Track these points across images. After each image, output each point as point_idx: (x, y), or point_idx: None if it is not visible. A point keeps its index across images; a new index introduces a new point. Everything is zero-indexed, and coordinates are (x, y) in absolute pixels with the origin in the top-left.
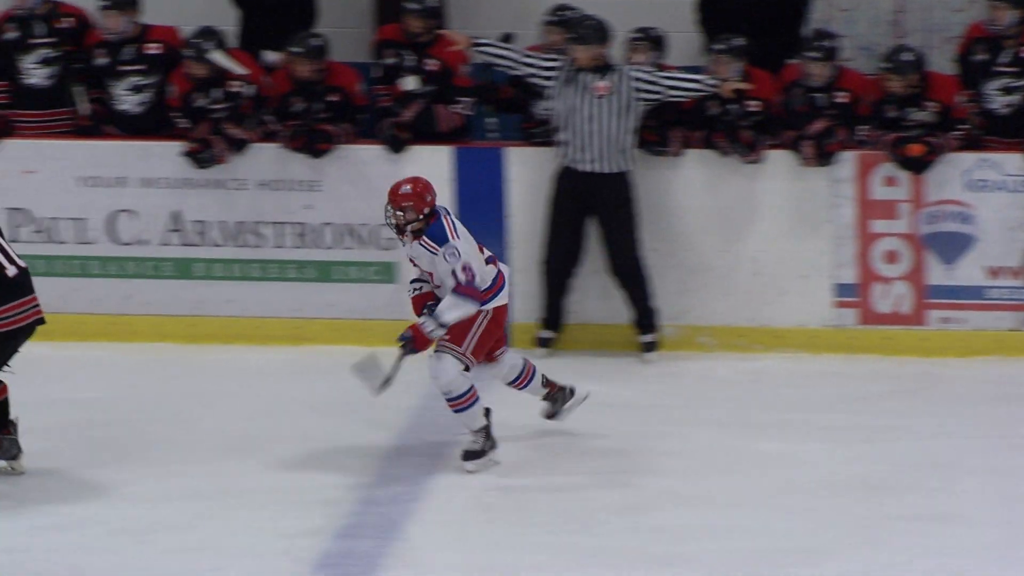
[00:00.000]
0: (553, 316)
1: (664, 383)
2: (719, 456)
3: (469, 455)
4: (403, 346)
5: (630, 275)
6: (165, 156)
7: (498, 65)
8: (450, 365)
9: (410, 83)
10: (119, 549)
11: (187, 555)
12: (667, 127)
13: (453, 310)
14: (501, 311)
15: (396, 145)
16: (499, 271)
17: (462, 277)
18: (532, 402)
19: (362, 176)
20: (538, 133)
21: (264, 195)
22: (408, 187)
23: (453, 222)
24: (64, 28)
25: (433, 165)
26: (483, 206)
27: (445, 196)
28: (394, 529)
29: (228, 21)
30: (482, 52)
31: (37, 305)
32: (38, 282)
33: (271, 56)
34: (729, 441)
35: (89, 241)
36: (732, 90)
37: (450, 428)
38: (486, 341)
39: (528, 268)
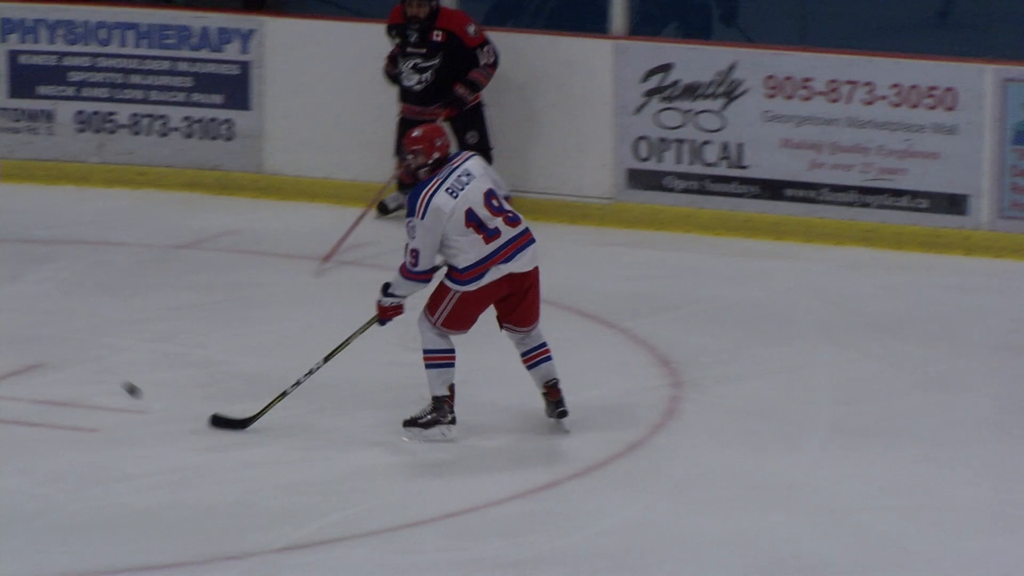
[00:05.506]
0: None
1: None
2: None
3: (409, 422)
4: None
5: None
6: None
7: None
8: (424, 324)
9: None
10: None
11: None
12: None
13: (398, 287)
14: (484, 291)
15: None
16: (494, 250)
17: (406, 258)
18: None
19: None
20: None
21: None
22: (419, 132)
23: (444, 186)
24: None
25: None
26: None
27: None
28: None
29: None
30: None
31: None
32: None
33: None
34: None
35: None
36: None
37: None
38: (461, 317)
39: None
